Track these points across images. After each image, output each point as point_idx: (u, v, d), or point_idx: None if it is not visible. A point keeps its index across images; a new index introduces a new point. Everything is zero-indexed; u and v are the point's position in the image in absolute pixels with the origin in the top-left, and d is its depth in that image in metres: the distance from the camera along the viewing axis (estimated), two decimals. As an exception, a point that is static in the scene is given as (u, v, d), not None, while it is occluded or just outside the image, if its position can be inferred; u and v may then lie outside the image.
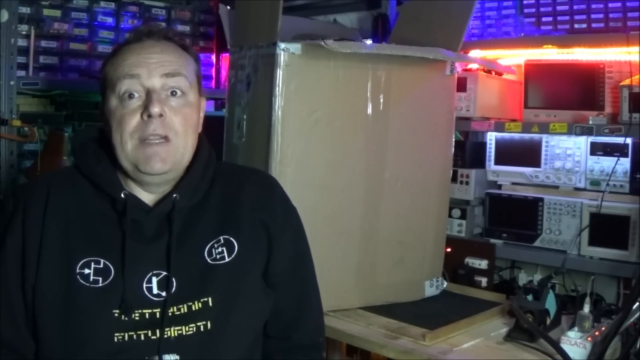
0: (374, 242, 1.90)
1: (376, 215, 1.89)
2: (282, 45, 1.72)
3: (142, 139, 1.13)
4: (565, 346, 1.55)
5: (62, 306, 1.13)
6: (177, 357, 1.13)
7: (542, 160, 2.25)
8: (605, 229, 2.05)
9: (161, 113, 1.14)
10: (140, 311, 1.13)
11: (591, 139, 2.14)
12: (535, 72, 2.28)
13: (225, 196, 1.26)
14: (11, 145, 2.33)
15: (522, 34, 2.33)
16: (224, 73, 3.19)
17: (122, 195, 1.17)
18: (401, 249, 1.95)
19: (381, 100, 1.86)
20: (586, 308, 1.64)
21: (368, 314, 1.84)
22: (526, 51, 2.29)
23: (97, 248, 1.16)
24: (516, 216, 2.26)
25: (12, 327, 1.16)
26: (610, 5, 2.17)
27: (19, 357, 1.16)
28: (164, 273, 1.16)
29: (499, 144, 2.36)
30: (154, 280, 1.16)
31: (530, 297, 1.75)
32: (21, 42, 2.41)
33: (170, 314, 1.14)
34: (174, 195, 1.19)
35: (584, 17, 2.23)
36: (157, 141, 1.14)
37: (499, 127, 2.27)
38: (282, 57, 1.72)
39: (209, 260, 1.20)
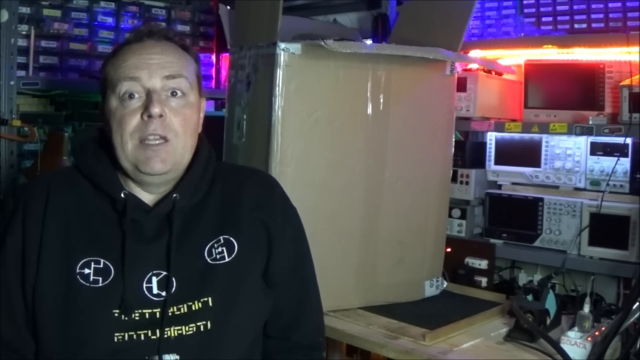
0: (374, 242, 1.90)
1: (376, 215, 1.89)
2: (282, 45, 1.72)
3: (142, 139, 1.14)
4: (565, 346, 1.55)
5: (62, 306, 1.13)
6: (177, 357, 1.13)
7: (542, 160, 2.25)
8: (605, 229, 2.05)
9: (161, 114, 1.14)
10: (140, 311, 1.13)
11: (591, 139, 2.14)
12: (535, 72, 2.28)
13: (225, 196, 1.26)
14: (11, 145, 2.33)
15: (522, 34, 2.33)
16: (224, 73, 3.19)
17: (122, 195, 1.17)
18: (401, 249, 1.95)
19: (381, 100, 1.86)
20: (586, 308, 1.64)
21: (368, 314, 1.84)
22: (526, 51, 2.29)
23: (97, 248, 1.16)
24: (516, 216, 2.26)
25: (12, 327, 1.16)
26: (610, 5, 2.17)
27: (19, 357, 1.17)
28: (164, 273, 1.16)
29: (499, 144, 2.36)
30: (154, 280, 1.16)
31: (530, 297, 1.75)
32: (21, 42, 2.41)
33: (170, 313, 1.14)
34: (174, 195, 1.19)
35: (584, 17, 2.23)
36: (157, 142, 1.14)
37: (499, 127, 2.27)
38: (282, 57, 1.72)
39: (209, 260, 1.20)
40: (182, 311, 1.15)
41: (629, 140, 2.05)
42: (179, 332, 1.14)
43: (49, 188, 1.19)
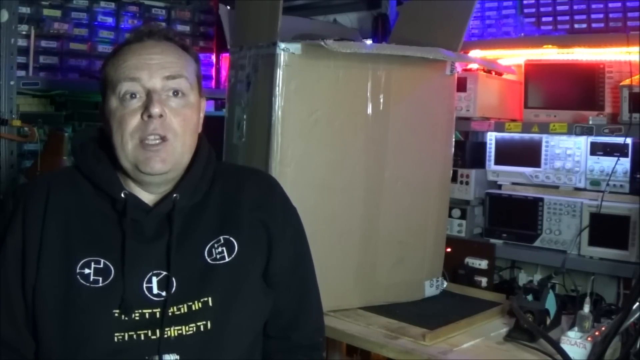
0: (374, 242, 1.90)
1: (376, 215, 1.89)
2: (282, 45, 1.72)
3: (142, 139, 1.14)
4: (565, 346, 1.55)
5: (62, 306, 1.13)
6: (177, 357, 1.13)
7: (542, 160, 2.25)
8: (605, 229, 2.05)
9: (161, 114, 1.14)
10: (140, 311, 1.13)
11: (591, 139, 2.14)
12: (535, 72, 2.28)
13: (225, 196, 1.26)
14: (11, 145, 2.33)
15: (522, 34, 2.33)
16: (224, 73, 3.19)
17: (122, 195, 1.17)
18: (401, 249, 1.95)
19: (381, 100, 1.86)
20: (586, 308, 1.64)
21: (368, 314, 1.84)
22: (526, 51, 2.29)
23: (97, 248, 1.16)
24: (516, 216, 2.26)
25: (12, 327, 1.16)
26: (610, 5, 2.17)
27: (19, 356, 1.17)
28: (164, 273, 1.16)
29: (499, 144, 2.36)
30: (154, 280, 1.16)
31: (530, 297, 1.75)
32: (21, 42, 2.41)
33: (170, 313, 1.14)
34: (174, 195, 1.19)
35: (584, 17, 2.23)
36: (157, 141, 1.14)
37: (499, 127, 2.27)
38: (282, 57, 1.72)
39: (209, 260, 1.20)
40: (182, 311, 1.15)
41: (629, 140, 2.05)
42: (179, 332, 1.14)
43: (49, 188, 1.19)
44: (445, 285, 2.07)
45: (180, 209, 1.20)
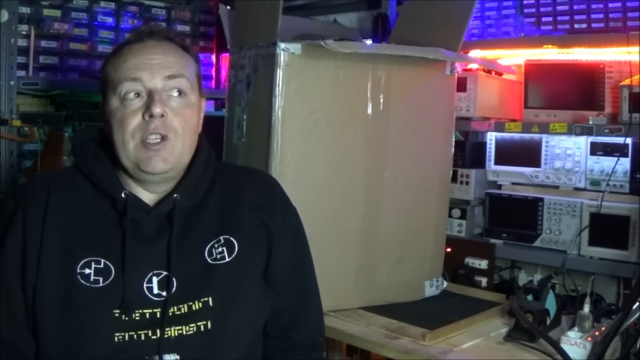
0: (374, 242, 1.90)
1: (376, 215, 1.89)
2: (282, 45, 1.72)
3: (143, 139, 1.14)
4: (565, 346, 1.55)
5: (62, 306, 1.13)
6: (178, 357, 1.13)
7: (542, 160, 2.25)
8: (605, 229, 2.05)
9: (162, 113, 1.14)
10: (140, 311, 1.14)
11: (591, 139, 2.14)
12: (535, 72, 2.28)
13: (225, 196, 1.26)
14: (11, 145, 2.33)
15: (522, 34, 2.33)
16: (224, 73, 3.19)
17: (123, 195, 1.17)
18: (401, 249, 1.95)
19: (381, 100, 1.86)
20: (586, 308, 1.64)
21: (368, 314, 1.84)
22: (526, 51, 2.29)
23: (97, 248, 1.16)
24: (516, 216, 2.26)
25: (12, 327, 1.16)
26: (610, 5, 2.17)
27: (19, 356, 1.17)
28: (165, 273, 1.16)
29: (499, 144, 2.36)
30: (155, 280, 1.16)
31: (530, 297, 1.75)
32: (21, 42, 2.41)
33: (170, 313, 1.14)
34: (175, 195, 1.19)
35: (584, 17, 2.23)
36: (157, 140, 1.14)
37: (499, 127, 2.27)
38: (282, 57, 1.72)
39: (209, 260, 1.20)
40: (182, 311, 1.15)
41: (629, 140, 2.05)
42: (179, 332, 1.14)
43: (49, 188, 1.19)
44: (445, 285, 2.07)
45: (181, 209, 1.20)
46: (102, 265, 1.15)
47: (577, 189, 2.20)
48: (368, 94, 1.84)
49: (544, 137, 2.24)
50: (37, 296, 1.14)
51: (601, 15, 2.19)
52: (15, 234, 1.16)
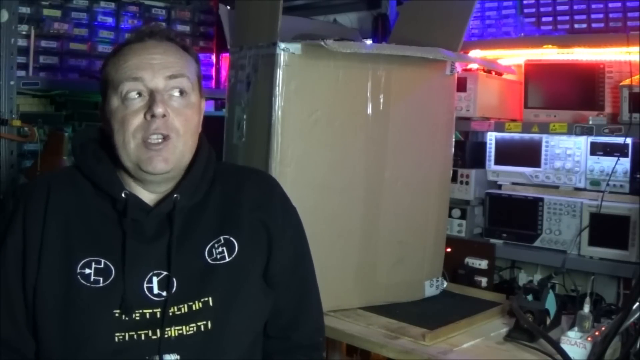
0: (374, 242, 1.90)
1: (376, 215, 1.89)
2: (282, 45, 1.72)
3: (144, 139, 1.14)
4: (565, 346, 1.55)
5: (62, 306, 1.13)
6: (178, 357, 1.13)
7: (542, 160, 2.25)
8: (605, 229, 2.05)
9: (164, 113, 1.14)
10: (140, 311, 1.14)
11: (591, 139, 2.14)
12: (535, 72, 2.28)
13: (226, 196, 1.26)
14: (11, 145, 2.33)
15: (522, 34, 2.33)
16: (224, 73, 3.19)
17: (123, 195, 1.17)
18: (401, 249, 1.95)
19: (381, 100, 1.86)
20: (586, 308, 1.64)
21: (368, 314, 1.84)
22: (526, 51, 2.29)
23: (97, 248, 1.16)
24: (516, 216, 2.26)
25: (12, 327, 1.16)
26: (610, 5, 2.17)
27: (20, 356, 1.17)
28: (165, 273, 1.16)
29: (499, 144, 2.36)
30: (155, 280, 1.16)
31: (530, 297, 1.75)
32: (21, 42, 2.41)
33: (170, 313, 1.14)
34: (175, 195, 1.19)
35: (584, 17, 2.23)
36: (159, 140, 1.14)
37: (499, 127, 2.27)
38: (282, 57, 1.72)
39: (209, 260, 1.20)
40: (182, 311, 1.15)
41: (629, 140, 2.05)
42: (180, 332, 1.14)
43: (49, 188, 1.19)
44: (445, 285, 2.07)
45: (181, 208, 1.20)
46: (102, 266, 1.15)
47: (577, 189, 2.20)
48: (368, 94, 1.84)
49: (544, 137, 2.24)
50: (37, 296, 1.14)
51: (601, 15, 2.19)
52: (16, 234, 1.16)
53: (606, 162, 2.12)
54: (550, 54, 2.22)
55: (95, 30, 2.71)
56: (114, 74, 1.17)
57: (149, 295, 1.15)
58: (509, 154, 2.33)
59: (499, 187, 2.38)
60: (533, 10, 2.35)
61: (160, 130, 1.14)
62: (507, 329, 1.73)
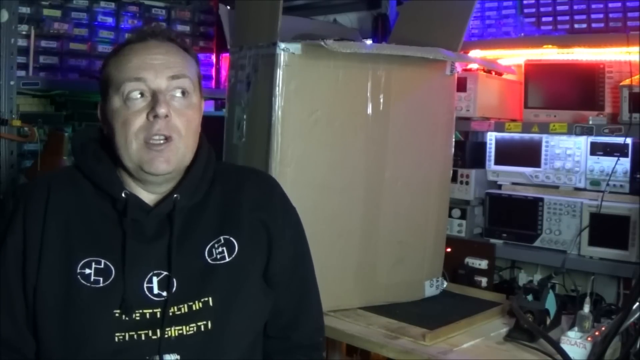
0: (374, 242, 1.90)
1: (376, 215, 1.89)
2: (282, 45, 1.72)
3: (146, 140, 1.14)
4: (565, 346, 1.55)
5: (62, 306, 1.13)
6: (178, 357, 1.13)
7: (542, 160, 2.25)
8: (605, 229, 2.05)
9: (167, 114, 1.14)
10: (140, 311, 1.14)
11: (591, 139, 2.14)
12: (535, 72, 2.28)
13: (225, 196, 1.26)
14: (11, 145, 2.33)
15: (522, 34, 2.33)
16: (224, 73, 3.19)
17: (123, 195, 1.17)
18: (401, 249, 1.95)
19: (381, 100, 1.86)
20: (586, 308, 1.64)
21: (368, 314, 1.84)
22: (526, 51, 2.29)
23: (97, 248, 1.16)
24: (516, 216, 2.26)
25: (13, 327, 1.16)
26: (610, 5, 2.17)
27: (20, 356, 1.17)
28: (165, 273, 1.16)
29: (499, 144, 2.36)
30: (155, 280, 1.16)
31: (530, 297, 1.75)
32: (21, 42, 2.41)
33: (170, 313, 1.14)
34: (175, 195, 1.19)
35: (584, 17, 2.23)
36: (161, 141, 1.14)
37: (499, 127, 2.28)
38: (282, 57, 1.72)
39: (209, 260, 1.20)
40: (182, 311, 1.15)
41: (629, 140, 2.05)
42: (180, 332, 1.14)
43: (49, 188, 1.19)
44: (445, 285, 2.07)
45: (181, 208, 1.20)
46: (102, 266, 1.15)
47: (577, 189, 2.20)
48: (368, 94, 1.84)
49: (544, 137, 2.24)
50: (38, 296, 1.14)
51: (601, 15, 2.19)
52: (16, 234, 1.16)
53: (606, 162, 2.12)
54: (550, 54, 2.22)
55: (95, 30, 2.71)
56: (115, 73, 1.16)
57: (149, 295, 1.15)
58: (509, 154, 2.33)
59: (499, 187, 2.38)
60: (533, 10, 2.35)
61: (162, 131, 1.14)
62: (507, 329, 1.73)
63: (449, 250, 2.13)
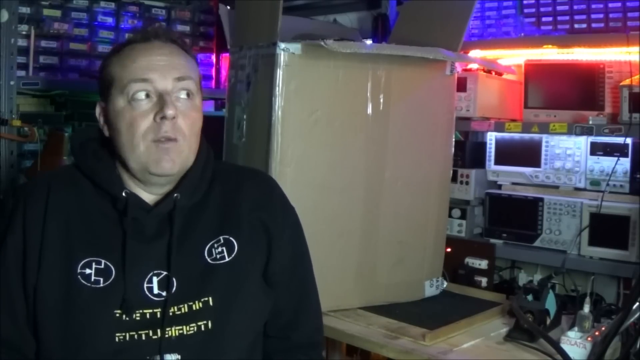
0: (374, 242, 1.90)
1: (376, 215, 1.89)
2: (282, 45, 1.72)
3: (154, 141, 1.13)
4: (565, 346, 1.55)
5: (63, 306, 1.13)
6: (178, 357, 1.13)
7: (542, 160, 2.25)
8: (605, 229, 2.05)
9: (175, 115, 1.14)
10: (141, 311, 1.14)
11: (591, 139, 2.14)
12: (535, 72, 2.28)
13: (225, 196, 1.26)
14: (11, 145, 2.33)
15: (522, 34, 2.33)
16: (224, 73, 3.19)
17: (124, 194, 1.17)
18: (401, 249, 1.95)
19: (381, 100, 1.86)
20: (586, 308, 1.64)
21: (368, 314, 1.84)
22: (526, 51, 2.29)
23: (97, 248, 1.16)
24: (516, 216, 2.26)
25: (13, 327, 1.16)
26: (610, 5, 2.17)
27: (20, 356, 1.17)
28: (165, 273, 1.16)
29: (499, 144, 2.36)
30: (155, 280, 1.16)
31: (530, 297, 1.75)
32: (21, 42, 2.41)
33: (171, 313, 1.14)
34: (175, 194, 1.19)
35: (584, 17, 2.23)
36: (167, 143, 1.14)
37: (499, 127, 2.27)
38: (282, 57, 1.72)
39: (209, 260, 1.20)
40: (182, 311, 1.15)
41: (629, 140, 2.05)
42: (180, 331, 1.14)
43: (49, 187, 1.19)
44: (445, 285, 2.07)
45: (181, 208, 1.20)
46: (102, 266, 1.15)
47: (577, 189, 2.20)
48: (368, 94, 1.84)
49: (544, 137, 2.24)
50: (38, 296, 1.14)
51: (601, 15, 2.19)
52: (16, 234, 1.16)
53: (606, 162, 2.12)
54: (550, 54, 2.22)
55: (95, 30, 2.71)
56: (120, 73, 1.16)
57: (149, 295, 1.15)
58: (509, 154, 2.33)
59: (499, 187, 2.38)
60: (533, 10, 2.35)
61: (169, 133, 1.14)
62: (507, 329, 1.73)
63: (449, 250, 2.13)
